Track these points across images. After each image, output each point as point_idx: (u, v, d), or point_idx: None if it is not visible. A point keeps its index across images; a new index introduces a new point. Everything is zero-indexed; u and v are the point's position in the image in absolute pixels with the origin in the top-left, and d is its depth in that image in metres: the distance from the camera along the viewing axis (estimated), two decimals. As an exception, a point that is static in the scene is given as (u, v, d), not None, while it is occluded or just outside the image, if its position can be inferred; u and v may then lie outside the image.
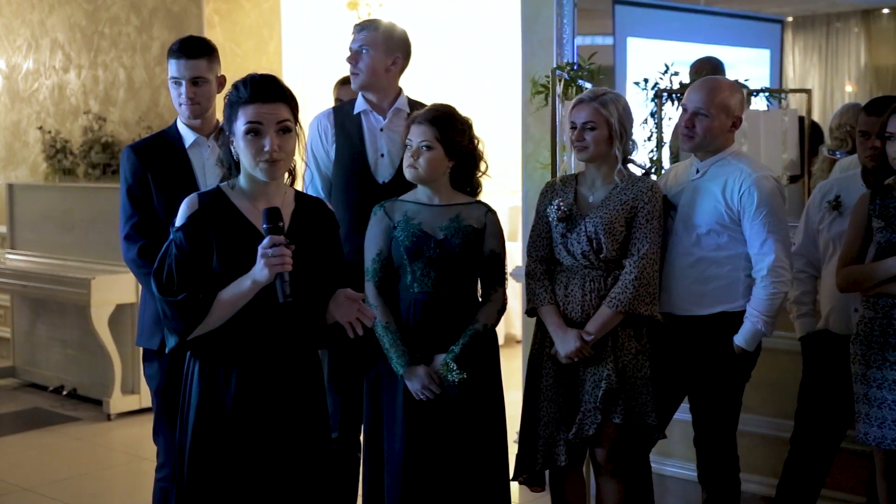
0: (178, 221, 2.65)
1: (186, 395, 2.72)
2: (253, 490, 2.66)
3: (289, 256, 2.54)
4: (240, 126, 2.61)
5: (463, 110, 3.42)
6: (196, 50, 3.52)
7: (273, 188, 2.70)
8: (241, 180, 2.70)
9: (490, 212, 3.40)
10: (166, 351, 2.71)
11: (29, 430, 5.90)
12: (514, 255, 6.15)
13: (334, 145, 3.66)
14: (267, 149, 2.59)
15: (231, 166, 2.71)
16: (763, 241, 3.34)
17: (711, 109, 3.40)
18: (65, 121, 7.30)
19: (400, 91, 3.70)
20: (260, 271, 2.54)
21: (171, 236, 2.66)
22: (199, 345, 2.63)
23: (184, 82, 3.50)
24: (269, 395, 2.67)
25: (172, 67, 3.53)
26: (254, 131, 2.59)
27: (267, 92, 2.62)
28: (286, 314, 2.63)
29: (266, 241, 2.55)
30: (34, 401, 6.56)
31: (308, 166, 3.74)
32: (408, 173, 3.32)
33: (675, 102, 4.34)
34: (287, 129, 2.63)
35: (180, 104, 3.54)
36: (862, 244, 3.33)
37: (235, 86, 2.66)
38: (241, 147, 2.63)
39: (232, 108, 2.64)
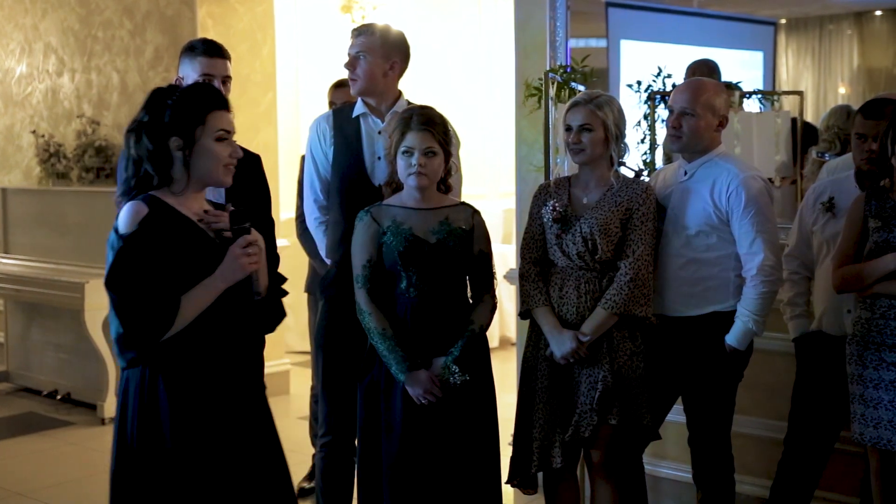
0: (128, 228, 2.54)
1: (153, 416, 2.63)
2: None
3: (262, 254, 2.64)
4: (210, 132, 2.62)
5: (456, 113, 3.41)
6: (222, 49, 3.54)
7: (202, 192, 2.75)
8: (174, 185, 2.63)
9: (476, 213, 3.38)
10: (122, 365, 2.64)
11: (23, 435, 5.89)
12: (509, 257, 6.17)
13: (332, 148, 3.65)
14: (234, 154, 2.67)
15: (154, 169, 2.60)
16: (752, 241, 3.35)
17: (697, 109, 3.42)
18: (58, 125, 7.28)
19: (400, 94, 3.69)
20: (234, 272, 2.60)
21: (120, 244, 2.55)
22: (164, 354, 2.58)
23: (217, 80, 3.47)
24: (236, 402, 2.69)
25: (201, 65, 3.48)
26: (224, 138, 2.65)
27: (225, 101, 2.71)
28: (254, 311, 2.71)
29: (240, 240, 2.61)
30: (28, 405, 6.54)
31: (307, 168, 3.73)
32: (416, 181, 3.23)
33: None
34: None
35: None
36: (857, 245, 3.34)
37: (195, 86, 2.78)
38: (207, 152, 2.62)
39: (197, 113, 2.62)
